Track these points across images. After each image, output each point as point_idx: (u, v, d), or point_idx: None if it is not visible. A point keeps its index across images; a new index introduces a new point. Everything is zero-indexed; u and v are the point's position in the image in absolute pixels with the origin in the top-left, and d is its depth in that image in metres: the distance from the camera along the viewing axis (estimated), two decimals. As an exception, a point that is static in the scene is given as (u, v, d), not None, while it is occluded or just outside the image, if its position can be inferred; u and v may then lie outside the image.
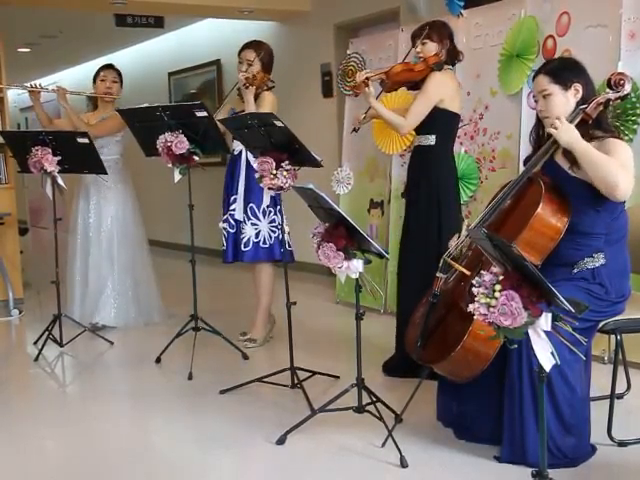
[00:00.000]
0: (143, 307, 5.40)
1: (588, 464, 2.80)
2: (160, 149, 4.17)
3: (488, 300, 2.19)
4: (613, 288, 2.82)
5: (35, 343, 4.84)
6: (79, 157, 4.68)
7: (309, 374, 3.82)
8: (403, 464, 2.86)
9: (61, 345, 4.74)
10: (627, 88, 2.81)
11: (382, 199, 5.65)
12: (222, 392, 3.79)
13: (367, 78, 3.78)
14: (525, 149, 3.98)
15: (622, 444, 2.95)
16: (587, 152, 2.69)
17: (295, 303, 3.80)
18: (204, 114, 4.12)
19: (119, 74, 5.38)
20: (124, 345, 4.94)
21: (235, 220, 4.61)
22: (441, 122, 3.87)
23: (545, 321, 2.17)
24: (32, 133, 4.88)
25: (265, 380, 3.79)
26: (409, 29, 4.30)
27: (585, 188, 2.74)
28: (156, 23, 7.35)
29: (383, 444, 3.02)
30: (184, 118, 4.15)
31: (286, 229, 4.29)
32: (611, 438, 2.96)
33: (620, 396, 3.38)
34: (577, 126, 2.76)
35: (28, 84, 5.27)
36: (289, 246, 4.55)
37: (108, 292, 5.28)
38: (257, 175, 3.68)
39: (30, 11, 7.70)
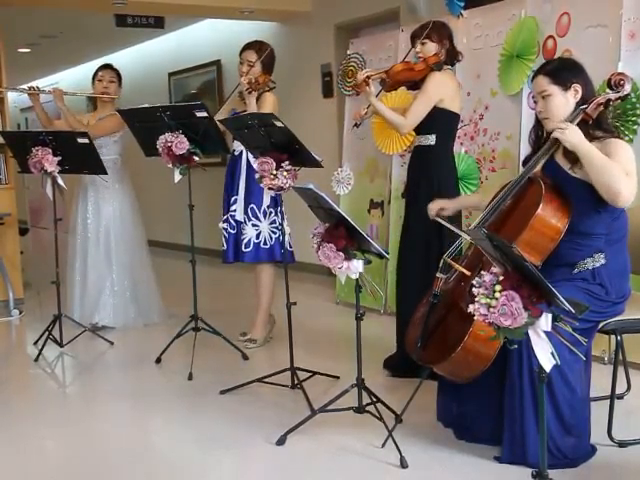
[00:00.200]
0: (142, 307, 5.40)
1: (588, 464, 2.80)
2: (160, 149, 4.17)
3: (488, 300, 2.19)
4: (613, 288, 2.82)
5: (35, 343, 4.84)
6: (79, 157, 4.69)
7: (309, 374, 3.82)
8: (403, 464, 2.86)
9: (61, 345, 4.74)
10: (627, 88, 2.81)
11: (382, 199, 5.66)
12: (222, 392, 3.79)
13: (368, 77, 3.78)
14: (525, 149, 3.98)
15: (622, 444, 2.95)
16: (592, 156, 2.68)
17: (295, 303, 3.80)
18: (204, 114, 4.12)
19: (117, 74, 5.37)
20: (124, 345, 4.94)
21: (236, 221, 4.61)
22: (441, 122, 3.87)
23: (545, 321, 2.17)
24: (32, 133, 4.88)
25: (265, 380, 3.79)
26: (409, 29, 4.30)
27: (585, 189, 2.74)
28: (156, 23, 7.35)
29: (383, 444, 3.02)
30: (184, 118, 4.15)
31: (287, 230, 4.29)
32: (611, 438, 2.96)
33: (620, 396, 3.38)
34: (577, 126, 2.77)
35: (26, 86, 5.26)
36: (290, 247, 4.55)
37: (107, 292, 5.28)
38: (257, 175, 3.68)
39: (30, 11, 7.70)
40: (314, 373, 3.85)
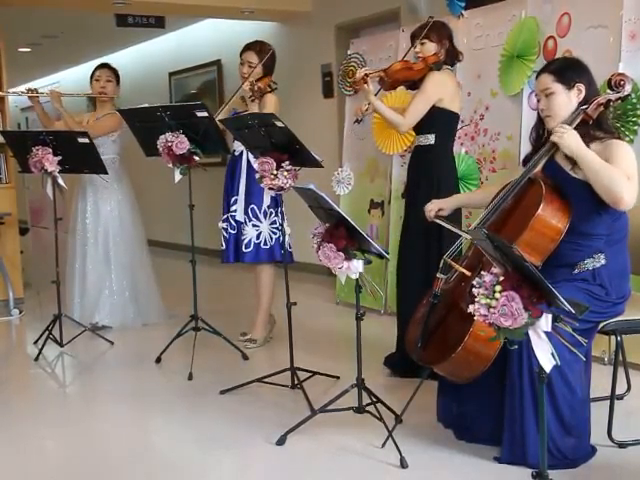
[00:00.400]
0: (142, 307, 5.40)
1: (588, 465, 2.80)
2: (161, 149, 4.17)
3: (488, 301, 2.19)
4: (613, 289, 2.81)
5: (35, 343, 4.84)
6: (80, 157, 4.69)
7: (309, 374, 3.82)
8: (403, 465, 2.86)
9: (61, 345, 4.74)
10: (627, 89, 2.81)
11: (382, 199, 5.66)
12: (222, 392, 3.79)
13: (366, 75, 3.78)
14: (525, 150, 3.98)
15: (622, 445, 2.95)
16: (591, 161, 2.68)
17: (295, 303, 3.81)
18: (205, 114, 4.12)
19: (114, 73, 5.36)
20: (124, 345, 4.94)
21: (236, 221, 4.61)
22: (440, 121, 3.87)
23: (545, 322, 2.17)
24: (32, 133, 4.88)
25: (265, 380, 3.79)
26: (410, 29, 4.30)
27: (586, 189, 2.74)
28: (157, 23, 7.36)
29: (383, 445, 3.02)
30: (185, 118, 4.15)
31: (288, 230, 4.29)
32: (611, 439, 2.96)
33: (620, 397, 3.38)
34: (578, 126, 2.77)
35: (25, 89, 5.26)
36: (289, 247, 4.55)
37: (107, 292, 5.28)
38: (257, 175, 3.68)
39: (31, 11, 7.70)
40: (314, 373, 3.85)
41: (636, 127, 3.89)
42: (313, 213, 3.16)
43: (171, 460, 3.09)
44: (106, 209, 5.31)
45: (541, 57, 4.43)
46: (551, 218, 2.73)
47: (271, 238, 4.58)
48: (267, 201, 4.37)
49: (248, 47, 4.63)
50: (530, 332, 2.19)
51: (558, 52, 4.33)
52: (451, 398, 3.08)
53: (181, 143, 4.12)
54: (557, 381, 2.69)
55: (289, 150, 3.59)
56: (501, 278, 2.19)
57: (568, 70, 2.85)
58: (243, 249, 4.58)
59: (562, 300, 2.12)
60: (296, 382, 3.73)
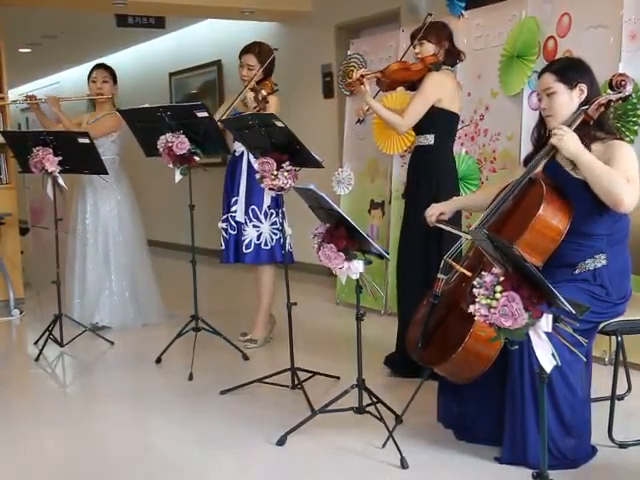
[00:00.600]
0: (142, 307, 5.40)
1: (588, 465, 2.80)
2: (161, 149, 4.17)
3: (489, 301, 2.19)
4: (614, 289, 2.81)
5: (36, 343, 4.84)
6: (80, 157, 4.69)
7: (309, 375, 3.82)
8: (403, 465, 2.86)
9: (61, 345, 4.74)
10: (628, 89, 2.81)
11: (383, 200, 5.66)
12: (222, 392, 3.79)
13: (362, 76, 3.78)
14: (526, 150, 3.99)
15: (623, 445, 2.95)
16: (590, 164, 2.68)
17: (295, 304, 3.81)
18: (205, 114, 4.12)
19: (111, 73, 5.35)
20: (124, 345, 4.94)
21: (236, 222, 4.61)
22: (440, 122, 3.87)
23: (546, 322, 2.17)
24: (33, 133, 4.88)
25: (265, 381, 3.79)
26: (410, 30, 4.30)
27: (587, 189, 2.73)
28: (157, 23, 7.36)
29: (383, 445, 3.02)
30: (185, 118, 4.15)
31: (289, 231, 4.29)
32: (612, 439, 2.96)
33: (621, 397, 3.37)
34: (578, 127, 2.77)
35: (23, 96, 5.26)
36: (290, 247, 4.55)
37: (107, 292, 5.29)
38: (258, 176, 3.68)
39: (31, 11, 7.70)
40: (314, 373, 3.85)
41: (636, 127, 3.89)
42: (313, 213, 3.16)
43: (171, 460, 3.09)
44: (106, 209, 5.31)
45: (541, 57, 4.43)
46: (552, 218, 2.73)
47: (272, 239, 4.58)
48: (267, 201, 4.37)
49: (247, 50, 4.61)
50: (530, 332, 2.19)
51: (558, 52, 4.33)
52: (451, 398, 3.08)
53: (181, 143, 4.12)
54: (557, 381, 2.69)
55: (289, 150, 3.59)
56: (501, 278, 2.19)
57: (570, 70, 2.85)
58: (243, 250, 4.58)
59: (562, 300, 2.12)
60: (296, 382, 3.73)
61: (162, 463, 3.08)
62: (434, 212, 3.26)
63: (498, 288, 2.18)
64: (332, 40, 6.94)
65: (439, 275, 3.08)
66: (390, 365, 4.02)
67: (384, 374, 3.99)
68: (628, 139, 3.82)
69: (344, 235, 2.92)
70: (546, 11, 4.45)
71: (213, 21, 8.42)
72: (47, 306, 5.78)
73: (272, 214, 4.56)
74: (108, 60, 6.35)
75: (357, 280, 3.02)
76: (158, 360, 4.42)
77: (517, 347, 2.36)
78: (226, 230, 4.66)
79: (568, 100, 2.82)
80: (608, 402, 3.00)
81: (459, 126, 4.22)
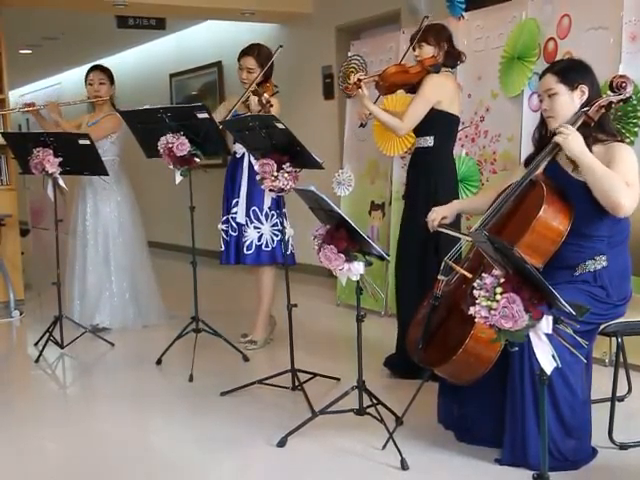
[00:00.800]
0: (142, 309, 5.40)
1: (589, 467, 2.80)
2: (161, 151, 4.17)
3: (489, 303, 2.19)
4: (614, 291, 2.81)
5: (36, 344, 4.84)
6: (80, 158, 4.69)
7: (310, 376, 3.82)
8: (404, 467, 2.86)
9: (62, 346, 4.74)
10: (629, 91, 2.81)
11: (383, 201, 5.66)
12: (223, 394, 3.79)
13: (359, 80, 3.78)
14: (526, 151, 3.99)
15: (623, 447, 2.95)
16: (592, 166, 2.68)
17: (296, 305, 3.81)
18: (205, 116, 4.12)
19: (107, 74, 5.34)
20: (125, 347, 4.94)
21: (237, 223, 4.61)
22: (439, 124, 3.87)
23: (546, 324, 2.17)
24: (33, 134, 4.88)
25: (266, 382, 3.79)
26: (410, 31, 4.30)
27: (588, 191, 2.73)
28: (157, 25, 7.36)
29: (384, 446, 3.02)
30: (185, 120, 4.15)
31: (291, 232, 4.29)
32: (612, 441, 2.96)
33: (621, 399, 3.37)
34: (579, 128, 2.77)
35: (22, 104, 5.27)
36: (292, 248, 4.55)
37: (107, 293, 5.29)
38: (258, 177, 3.68)
39: (32, 13, 7.71)
40: (315, 375, 3.85)
41: (636, 129, 3.89)
42: (314, 214, 3.16)
43: (171, 461, 3.09)
44: (106, 210, 5.31)
45: (541, 59, 4.43)
46: (552, 220, 2.73)
47: (272, 240, 4.58)
48: (268, 203, 4.37)
49: (246, 52, 4.60)
50: (531, 334, 2.19)
51: (558, 54, 4.33)
52: (452, 400, 3.08)
53: (182, 145, 4.12)
54: (558, 383, 2.69)
55: (290, 152, 3.59)
56: (502, 280, 2.19)
57: (572, 71, 2.85)
58: (244, 251, 4.58)
59: (563, 302, 2.12)
60: (297, 384, 3.72)
61: (162, 464, 3.08)
62: (436, 216, 3.21)
63: (498, 290, 2.18)
64: (332, 41, 6.95)
65: (439, 276, 3.08)
66: (390, 366, 4.02)
67: (384, 375, 3.99)
68: (628, 140, 3.82)
69: (344, 236, 2.92)
70: (546, 12, 4.45)
71: (213, 22, 8.42)
72: (47, 307, 5.78)
73: (273, 215, 4.56)
74: (108, 61, 6.37)
75: (357, 281, 3.02)
76: (158, 361, 4.42)
77: (517, 349, 2.36)
78: (226, 232, 4.66)
79: (569, 101, 2.82)
80: (608, 403, 3.00)
81: (459, 127, 4.22)
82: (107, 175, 4.87)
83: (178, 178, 4.26)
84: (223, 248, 4.68)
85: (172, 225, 8.67)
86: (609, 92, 2.81)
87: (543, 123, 2.95)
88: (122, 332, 5.21)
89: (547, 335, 2.19)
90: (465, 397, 3.01)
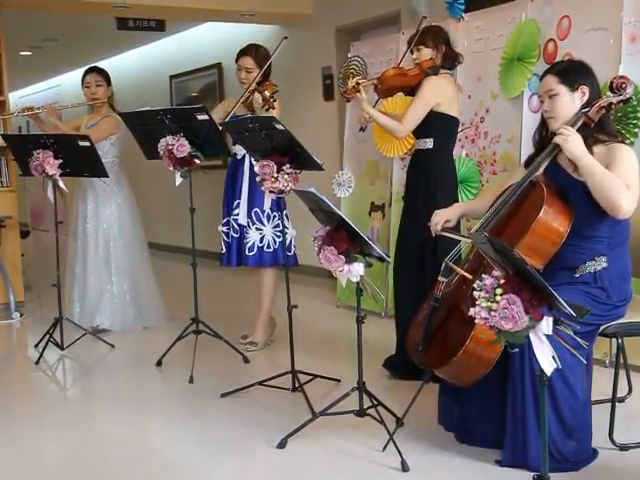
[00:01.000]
0: (142, 310, 5.40)
1: (589, 468, 2.80)
2: (161, 152, 4.17)
3: (489, 304, 2.19)
4: (614, 292, 2.81)
5: (36, 346, 4.84)
6: (80, 160, 4.69)
7: (310, 377, 3.82)
8: (404, 468, 2.86)
9: (62, 348, 4.74)
10: (629, 91, 2.81)
11: (383, 202, 5.66)
12: (223, 395, 3.79)
13: (357, 84, 3.78)
14: (526, 153, 3.99)
15: (624, 448, 2.95)
16: (592, 168, 2.68)
17: (296, 306, 3.81)
18: (205, 117, 4.12)
19: (103, 76, 5.35)
20: (125, 348, 4.94)
21: (238, 224, 4.61)
22: (439, 125, 3.87)
23: (546, 325, 2.17)
24: (33, 136, 4.88)
25: (266, 383, 3.79)
26: (410, 32, 4.30)
27: (588, 192, 2.73)
28: (157, 26, 7.36)
29: (384, 448, 3.02)
30: (185, 121, 4.15)
31: (293, 233, 4.28)
32: (613, 442, 2.96)
33: (621, 400, 3.37)
34: (580, 129, 2.77)
35: (21, 108, 5.28)
36: (294, 249, 4.55)
37: (107, 295, 5.29)
38: (258, 178, 3.68)
39: (32, 14, 7.71)
40: (315, 376, 3.85)
41: (636, 129, 3.89)
42: (314, 216, 3.16)
43: (171, 462, 3.09)
44: (106, 212, 5.31)
45: (541, 60, 4.43)
46: (552, 221, 2.73)
47: (274, 241, 4.58)
48: (268, 204, 4.37)
49: (244, 52, 4.61)
50: (531, 335, 2.19)
51: (558, 55, 4.33)
52: (452, 401, 3.08)
53: (182, 146, 4.12)
54: (558, 384, 2.69)
55: (290, 153, 3.59)
56: (502, 281, 2.19)
57: (572, 72, 2.85)
58: (247, 252, 4.58)
59: (563, 303, 2.12)
60: (297, 385, 3.72)
61: (162, 465, 3.08)
62: (439, 220, 3.16)
63: (498, 291, 2.18)
64: (332, 43, 6.95)
65: (440, 277, 3.08)
66: (389, 368, 4.02)
67: (384, 376, 3.99)
68: (628, 141, 3.82)
69: (345, 238, 2.92)
70: (546, 14, 4.45)
71: (213, 24, 8.42)
72: (47, 309, 5.78)
73: (274, 217, 4.56)
74: (108, 63, 6.37)
75: (357, 283, 3.02)
76: (159, 363, 4.42)
77: (517, 350, 2.36)
78: (227, 233, 4.66)
79: (570, 102, 2.82)
80: (609, 404, 3.00)
81: (459, 129, 4.22)
82: (107, 177, 4.87)
83: (178, 179, 4.26)
84: (224, 250, 4.68)
85: (172, 226, 8.67)
86: (609, 93, 2.81)
87: (544, 124, 2.95)
88: (122, 333, 5.21)
89: (547, 336, 2.19)
90: (465, 398, 3.01)
